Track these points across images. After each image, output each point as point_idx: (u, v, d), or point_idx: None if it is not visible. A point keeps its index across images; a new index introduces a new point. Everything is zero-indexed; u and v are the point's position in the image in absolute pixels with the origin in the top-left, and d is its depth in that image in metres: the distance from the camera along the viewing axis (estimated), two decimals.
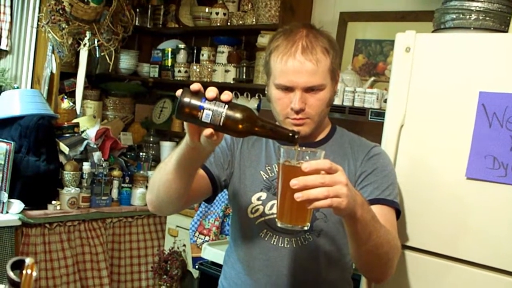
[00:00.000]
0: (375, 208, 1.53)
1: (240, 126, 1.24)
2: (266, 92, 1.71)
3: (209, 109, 1.22)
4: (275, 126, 1.31)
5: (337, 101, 2.98)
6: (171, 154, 1.48)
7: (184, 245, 3.70)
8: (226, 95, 1.24)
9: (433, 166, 1.97)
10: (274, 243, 1.66)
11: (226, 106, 1.23)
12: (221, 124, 1.23)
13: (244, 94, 4.02)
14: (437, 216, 1.95)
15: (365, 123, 2.81)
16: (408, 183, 1.98)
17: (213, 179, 1.68)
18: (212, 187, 1.69)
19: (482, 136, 1.85)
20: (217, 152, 1.70)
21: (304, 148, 1.27)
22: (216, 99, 1.23)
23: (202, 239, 3.34)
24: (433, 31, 2.15)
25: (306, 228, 1.31)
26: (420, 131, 2.01)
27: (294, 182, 1.18)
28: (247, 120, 1.24)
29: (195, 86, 1.24)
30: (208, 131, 1.23)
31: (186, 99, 1.23)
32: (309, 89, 1.57)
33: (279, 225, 1.31)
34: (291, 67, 1.56)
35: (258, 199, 1.69)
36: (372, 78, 3.21)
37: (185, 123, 1.29)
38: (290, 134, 1.29)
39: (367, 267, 1.55)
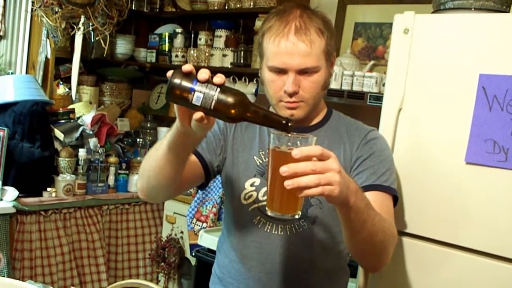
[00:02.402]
0: (371, 195, 1.50)
1: (232, 111, 1.19)
2: (259, 75, 1.66)
3: (200, 92, 1.17)
4: (268, 112, 1.25)
5: (335, 85, 2.93)
6: (161, 140, 1.44)
7: (182, 232, 3.68)
8: (219, 78, 1.19)
9: (432, 151, 1.92)
10: (268, 230, 1.63)
11: (218, 89, 1.18)
12: (212, 107, 1.18)
13: (242, 79, 3.98)
14: (435, 202, 1.91)
15: (364, 107, 2.76)
16: (406, 167, 1.94)
17: (205, 165, 1.64)
18: (204, 173, 1.65)
19: (482, 119, 1.81)
20: (209, 137, 1.66)
21: (295, 133, 1.22)
22: (208, 81, 1.18)
23: (199, 225, 3.31)
24: (432, 12, 2.10)
25: (297, 217, 1.26)
26: (419, 115, 1.96)
27: (284, 169, 1.14)
28: (240, 105, 1.19)
29: (187, 67, 1.19)
30: (198, 114, 1.19)
31: (177, 80, 1.18)
32: (303, 71, 1.53)
33: (269, 213, 1.26)
34: (283, 48, 1.51)
35: (252, 185, 1.65)
36: (372, 62, 3.15)
37: (175, 106, 1.24)
38: (284, 122, 1.23)
39: (361, 256, 1.51)
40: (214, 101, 1.17)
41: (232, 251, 1.71)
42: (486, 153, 1.79)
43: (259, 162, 1.66)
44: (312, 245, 1.62)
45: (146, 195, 1.59)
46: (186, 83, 1.18)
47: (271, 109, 1.71)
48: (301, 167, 1.14)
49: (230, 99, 1.18)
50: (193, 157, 1.61)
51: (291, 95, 1.54)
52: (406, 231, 1.98)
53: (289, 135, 1.22)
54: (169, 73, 1.19)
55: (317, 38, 1.52)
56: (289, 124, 1.23)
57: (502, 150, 1.77)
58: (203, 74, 1.18)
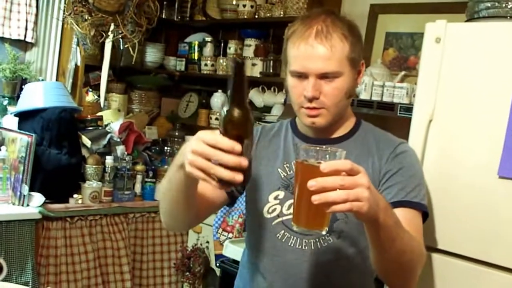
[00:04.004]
0: (400, 211, 1.44)
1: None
2: (286, 81, 1.62)
3: None
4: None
5: (365, 96, 2.89)
6: (168, 176, 1.42)
7: (208, 242, 3.64)
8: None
9: (463, 164, 1.86)
10: (292, 245, 1.58)
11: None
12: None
13: (271, 88, 3.96)
14: (467, 217, 1.84)
15: (394, 119, 2.71)
16: (436, 181, 1.88)
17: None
18: (228, 195, 1.64)
19: None
20: None
21: (324, 147, 1.19)
22: None
23: (225, 236, 3.29)
24: (466, 21, 2.04)
25: (324, 233, 1.24)
26: (450, 127, 1.90)
27: (312, 184, 1.11)
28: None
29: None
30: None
31: None
32: (324, 76, 1.48)
33: (295, 229, 1.24)
34: (303, 52, 1.48)
35: (276, 198, 1.61)
36: (403, 72, 3.09)
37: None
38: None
39: (388, 275, 1.46)
40: None
41: (254, 265, 1.66)
42: None
43: (284, 175, 1.61)
44: (338, 260, 1.56)
45: (173, 229, 1.62)
46: None
47: (297, 118, 1.66)
48: (329, 181, 1.11)
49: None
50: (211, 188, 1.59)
51: (310, 100, 1.49)
52: (435, 247, 1.91)
53: (317, 148, 1.19)
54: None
55: (339, 43, 1.47)
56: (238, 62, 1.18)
57: None
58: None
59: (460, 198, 1.86)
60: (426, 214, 1.56)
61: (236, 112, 1.16)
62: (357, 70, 1.55)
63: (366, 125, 1.68)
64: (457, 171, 1.88)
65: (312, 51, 1.47)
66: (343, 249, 1.56)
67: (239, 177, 1.14)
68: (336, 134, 1.62)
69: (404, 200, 1.51)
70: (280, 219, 1.59)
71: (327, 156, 1.17)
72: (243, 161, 1.14)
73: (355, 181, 1.13)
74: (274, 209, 1.60)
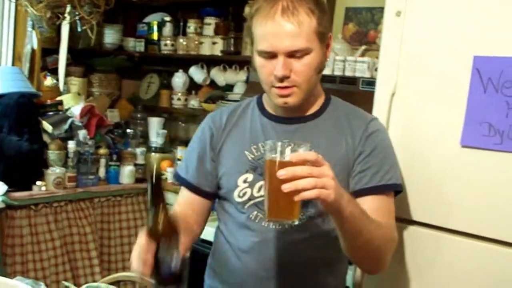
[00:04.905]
0: (373, 199, 1.51)
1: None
2: (252, 61, 1.60)
3: None
4: None
5: (327, 71, 2.88)
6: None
7: None
8: None
9: (427, 135, 1.89)
10: (265, 225, 1.58)
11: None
12: None
13: (232, 67, 3.95)
14: (431, 187, 1.88)
15: (357, 93, 2.73)
16: (400, 152, 1.89)
17: (209, 193, 1.68)
18: (212, 198, 1.69)
19: (477, 102, 1.77)
20: (206, 167, 1.67)
21: (289, 141, 1.27)
22: None
23: None
24: None
25: (295, 222, 1.32)
26: (413, 99, 1.93)
27: (282, 173, 1.19)
28: None
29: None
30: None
31: None
32: (293, 54, 1.45)
33: (267, 220, 1.37)
34: (270, 30, 1.44)
35: (245, 181, 1.61)
36: (363, 47, 3.11)
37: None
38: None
39: (358, 261, 1.53)
40: None
41: (229, 247, 1.66)
42: (482, 136, 1.76)
43: (251, 157, 1.60)
44: (311, 238, 1.58)
45: None
46: None
47: (264, 96, 1.66)
48: (298, 170, 1.19)
49: None
50: (197, 199, 1.67)
51: (281, 79, 1.47)
52: (402, 217, 1.94)
53: (283, 143, 1.26)
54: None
55: (306, 18, 1.44)
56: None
57: (497, 133, 1.74)
58: None
59: (424, 168, 1.88)
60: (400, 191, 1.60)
61: (158, 223, 1.28)
62: (326, 44, 1.53)
63: (335, 100, 1.68)
64: (421, 142, 1.91)
65: (280, 29, 1.43)
66: (315, 228, 1.58)
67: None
68: (307, 112, 1.61)
69: (380, 185, 1.54)
70: (252, 202, 1.60)
71: (294, 150, 1.25)
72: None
73: (322, 171, 1.21)
74: (245, 193, 1.60)
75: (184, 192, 1.71)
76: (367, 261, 1.50)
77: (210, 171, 1.66)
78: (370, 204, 1.49)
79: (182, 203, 1.70)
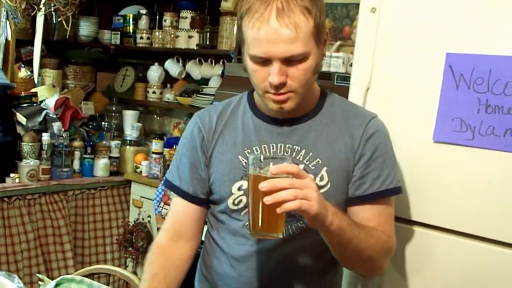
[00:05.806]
0: (372, 206, 1.49)
1: None
2: (243, 62, 1.48)
3: None
4: None
5: None
6: None
7: (149, 216, 3.64)
8: None
9: (400, 130, 1.91)
10: None
11: None
12: None
13: (208, 60, 3.95)
14: (403, 182, 1.90)
15: (332, 88, 2.70)
16: None
17: (204, 200, 1.60)
18: (207, 204, 1.61)
19: (449, 98, 1.80)
20: (199, 174, 1.57)
21: (271, 155, 1.31)
22: None
23: (167, 209, 3.27)
24: None
25: (280, 236, 1.29)
26: (387, 94, 1.95)
27: (263, 185, 1.19)
28: None
29: None
30: None
31: None
32: (289, 59, 1.34)
33: (251, 235, 1.31)
34: (264, 35, 1.31)
35: (239, 188, 1.51)
36: (338, 42, 3.14)
37: None
38: None
39: (352, 268, 1.55)
40: None
41: (222, 254, 1.58)
42: (454, 132, 1.79)
43: (245, 162, 1.48)
44: (307, 247, 1.52)
45: None
46: None
47: (255, 94, 1.55)
48: (278, 181, 1.19)
49: None
50: (192, 208, 1.59)
51: (277, 87, 1.36)
52: None
53: (266, 158, 1.27)
54: None
55: (303, 19, 1.32)
56: None
57: (469, 129, 1.77)
58: None
59: (398, 164, 1.91)
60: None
61: None
62: (323, 41, 1.43)
63: (331, 97, 1.60)
64: (394, 136, 1.92)
65: (275, 35, 1.31)
66: (314, 235, 1.45)
67: None
68: (303, 111, 1.52)
69: (381, 191, 1.50)
70: (247, 209, 1.45)
71: (277, 163, 1.25)
72: None
73: (304, 183, 1.21)
74: (240, 201, 1.51)
75: (178, 202, 1.61)
76: (360, 268, 1.50)
77: (204, 177, 1.56)
78: (369, 211, 1.48)
79: (176, 215, 1.61)
